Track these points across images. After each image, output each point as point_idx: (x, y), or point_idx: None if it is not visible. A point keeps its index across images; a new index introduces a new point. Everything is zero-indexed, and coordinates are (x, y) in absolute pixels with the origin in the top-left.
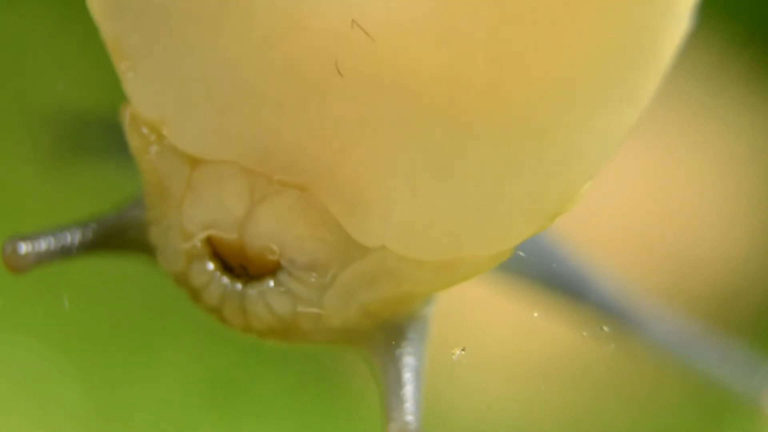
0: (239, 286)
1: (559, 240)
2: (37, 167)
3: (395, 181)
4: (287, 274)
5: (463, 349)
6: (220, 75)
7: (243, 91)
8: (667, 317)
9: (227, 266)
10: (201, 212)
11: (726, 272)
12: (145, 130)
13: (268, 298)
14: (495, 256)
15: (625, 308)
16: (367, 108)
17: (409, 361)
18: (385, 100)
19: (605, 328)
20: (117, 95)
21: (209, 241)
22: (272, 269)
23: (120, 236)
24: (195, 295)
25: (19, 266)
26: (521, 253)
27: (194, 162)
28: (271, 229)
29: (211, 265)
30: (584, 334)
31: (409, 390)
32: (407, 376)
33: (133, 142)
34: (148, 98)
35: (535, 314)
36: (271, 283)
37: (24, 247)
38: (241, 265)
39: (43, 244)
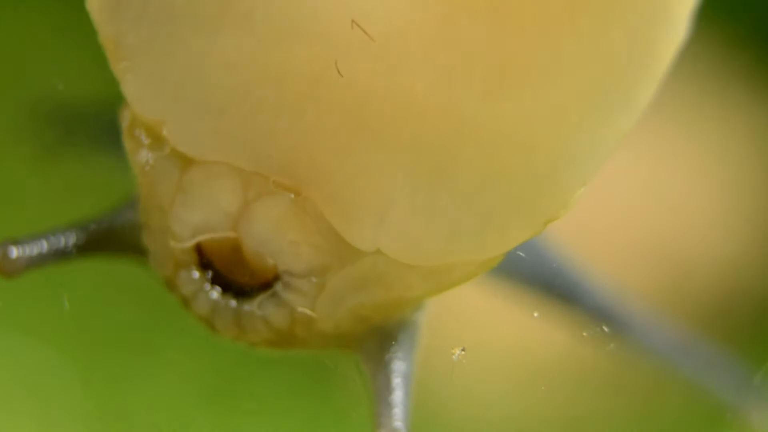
0: (233, 302)
1: (553, 244)
2: (31, 161)
3: (390, 186)
4: (284, 284)
5: (463, 349)
6: (217, 77)
7: (240, 93)
8: (660, 323)
9: (218, 277)
10: (191, 214)
11: (725, 272)
12: (139, 134)
13: (266, 313)
14: (486, 261)
15: (618, 313)
16: (363, 114)
17: (398, 366)
18: (380, 108)
19: (605, 329)
20: (113, 91)
21: (199, 249)
22: (267, 278)
23: (113, 239)
24: (184, 302)
25: (10, 270)
26: (521, 254)
27: (186, 164)
28: (267, 231)
29: (196, 274)
30: (584, 334)
31: (398, 396)
32: (396, 381)
33: (128, 145)
34: (146, 99)
35: (535, 314)
36: (268, 297)
37: (15, 252)
38: (232, 278)
39: (35, 248)
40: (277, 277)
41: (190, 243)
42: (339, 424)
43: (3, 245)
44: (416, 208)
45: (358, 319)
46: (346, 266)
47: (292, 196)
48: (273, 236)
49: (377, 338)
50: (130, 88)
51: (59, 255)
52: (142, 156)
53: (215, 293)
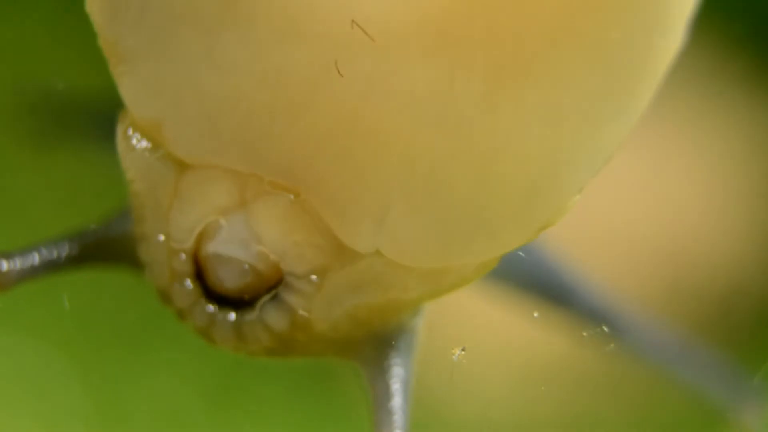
0: (231, 314)
1: (549, 247)
2: (29, 158)
3: (388, 188)
4: (286, 286)
5: (463, 349)
6: (215, 80)
7: (237, 96)
8: (656, 326)
9: (212, 293)
10: (189, 218)
11: (725, 272)
12: (134, 139)
13: (267, 318)
14: (481, 266)
15: (614, 316)
16: (360, 117)
17: (397, 372)
18: (379, 109)
19: (605, 328)
20: (113, 89)
21: (196, 260)
22: (267, 282)
23: (107, 250)
24: (180, 314)
25: (1, 284)
26: (518, 256)
27: (181, 170)
28: (269, 232)
29: (190, 284)
30: (584, 334)
31: (397, 402)
32: (395, 387)
33: (123, 150)
34: (144, 102)
35: (535, 314)
36: (269, 300)
37: (5, 265)
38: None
39: (27, 261)
40: (279, 280)
41: (189, 245)
42: (339, 424)
43: None
44: (412, 210)
45: (356, 322)
46: (344, 267)
47: (291, 196)
48: (277, 235)
49: (375, 345)
50: (128, 91)
51: (52, 266)
52: (136, 162)
53: (211, 306)
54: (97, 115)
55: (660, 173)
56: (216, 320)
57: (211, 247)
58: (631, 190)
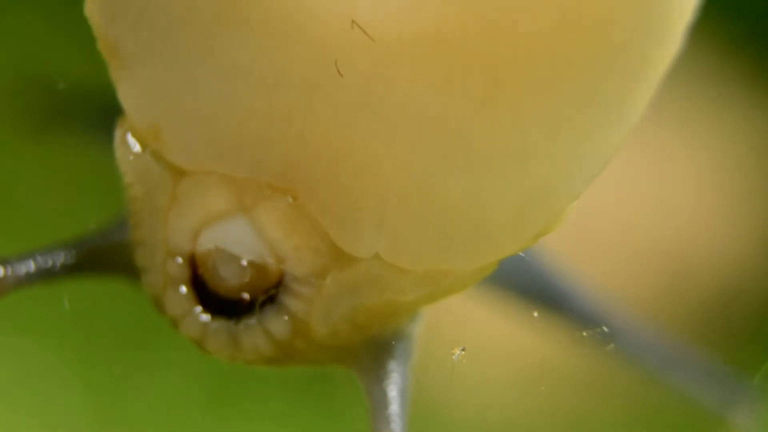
0: (227, 323)
1: (544, 251)
2: (30, 154)
3: (385, 192)
4: (286, 289)
5: (463, 349)
6: (212, 83)
7: (232, 101)
8: (649, 331)
9: (210, 296)
10: (187, 222)
11: (725, 273)
12: (132, 146)
13: (267, 325)
14: (478, 270)
15: (607, 321)
16: (357, 120)
17: (395, 380)
18: (376, 113)
19: (605, 329)
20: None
21: (193, 264)
22: (267, 281)
23: (103, 259)
24: (174, 323)
25: None
26: (517, 258)
27: (178, 176)
28: (268, 236)
29: (184, 289)
30: (584, 334)
31: (395, 410)
32: (393, 395)
33: (121, 156)
34: (142, 106)
35: (535, 314)
36: (269, 305)
37: (2, 271)
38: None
39: (23, 268)
40: (279, 281)
41: (186, 248)
42: (339, 423)
43: None
44: (409, 214)
45: (355, 325)
46: (342, 269)
47: (290, 199)
48: (277, 239)
49: (373, 352)
50: (126, 95)
51: (48, 275)
52: (134, 167)
53: (206, 315)
54: (98, 112)
55: (660, 173)
56: (210, 329)
57: (211, 244)
58: (631, 190)
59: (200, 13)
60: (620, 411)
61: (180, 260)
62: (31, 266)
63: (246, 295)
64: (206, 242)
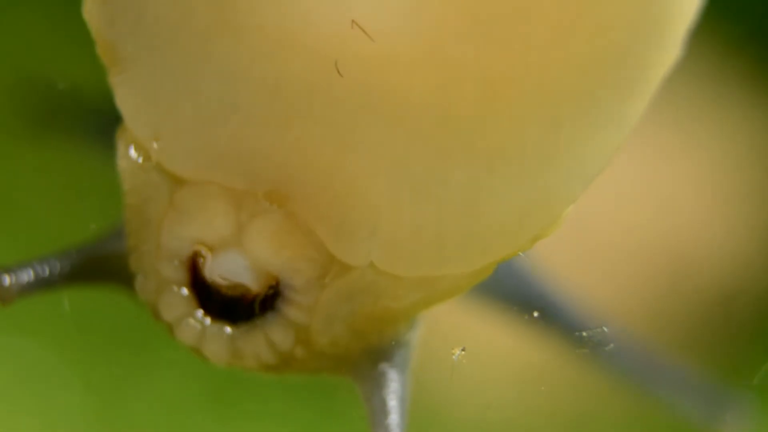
0: (227, 329)
1: (533, 262)
2: (29, 157)
3: (380, 200)
4: (284, 300)
5: (463, 349)
6: (208, 91)
7: (229, 107)
8: (635, 345)
9: (210, 299)
10: (186, 229)
11: (726, 273)
12: (132, 155)
13: (269, 332)
14: (473, 274)
15: (592, 333)
16: (353, 128)
17: (394, 388)
18: (371, 122)
19: (605, 329)
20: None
21: (193, 267)
22: (263, 291)
23: (99, 268)
24: (171, 328)
25: (2, 298)
26: (502, 274)
27: (176, 185)
28: (266, 252)
29: (185, 291)
30: (584, 334)
31: (394, 418)
32: (392, 404)
33: (121, 164)
34: (139, 112)
35: (535, 314)
36: (270, 315)
37: (7, 280)
38: (225, 300)
39: (25, 277)
40: (276, 294)
41: (183, 254)
42: (339, 424)
43: None
44: (404, 221)
45: (353, 333)
46: (338, 277)
47: (283, 211)
48: (272, 255)
49: (371, 360)
50: (124, 100)
51: (47, 283)
52: (133, 174)
53: (206, 318)
54: (97, 116)
55: (660, 174)
56: (208, 334)
57: (210, 273)
58: (632, 190)
59: (198, 18)
60: (620, 411)
61: (176, 263)
62: (31, 275)
63: (248, 291)
64: (207, 272)
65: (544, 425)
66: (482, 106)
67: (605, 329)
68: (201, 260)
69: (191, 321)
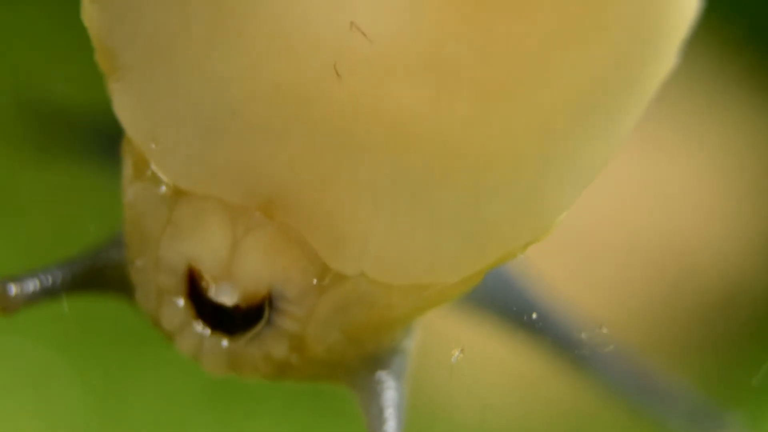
0: (224, 341)
1: (523, 273)
2: (27, 167)
3: (373, 211)
4: (277, 311)
5: (461, 350)
6: (206, 99)
7: (227, 116)
8: (625, 358)
9: (206, 310)
10: (183, 244)
11: (727, 272)
12: (134, 167)
13: (263, 344)
14: (466, 280)
15: (582, 346)
16: (347, 139)
17: (390, 396)
18: (365, 132)
19: (604, 330)
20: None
21: (190, 278)
22: (256, 309)
23: (97, 278)
24: (170, 337)
25: (7, 308)
26: (492, 284)
27: (175, 198)
28: (259, 264)
29: (182, 302)
30: (583, 335)
31: (391, 426)
32: (389, 412)
33: (124, 176)
34: (137, 119)
35: (534, 315)
36: (263, 326)
37: (13, 289)
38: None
39: (30, 286)
40: (269, 304)
41: (182, 269)
42: (339, 423)
43: (1, 282)
44: (397, 231)
45: (349, 341)
46: (331, 288)
47: (277, 224)
48: (265, 267)
49: (368, 368)
50: (122, 106)
51: (51, 293)
52: (134, 187)
53: (204, 330)
54: (98, 133)
55: (661, 173)
56: (206, 345)
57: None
58: (633, 190)
59: (194, 24)
60: (620, 414)
61: (175, 276)
62: (36, 284)
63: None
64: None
65: (544, 427)
66: (477, 112)
67: (604, 330)
68: (198, 277)
69: (190, 332)
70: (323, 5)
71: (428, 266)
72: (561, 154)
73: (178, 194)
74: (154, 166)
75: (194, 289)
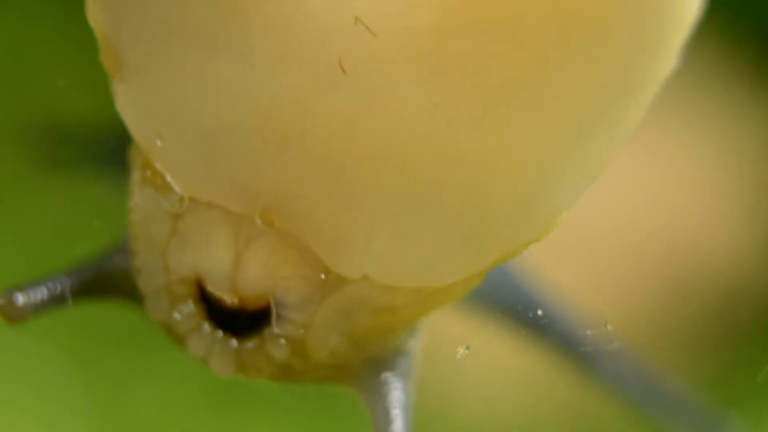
0: (232, 341)
1: (526, 272)
2: (30, 175)
3: (375, 215)
4: (280, 318)
5: (467, 348)
6: (207, 104)
7: (230, 121)
8: (629, 359)
9: (214, 312)
10: (188, 256)
11: (729, 272)
12: (141, 173)
13: (267, 348)
14: (467, 280)
15: (587, 343)
16: (347, 146)
17: (396, 396)
18: (370, 132)
19: (609, 327)
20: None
21: (197, 284)
22: (261, 313)
23: (104, 285)
24: (181, 340)
25: (16, 317)
26: (495, 283)
27: (180, 206)
28: (260, 274)
29: (194, 308)
30: (588, 332)
31: (398, 426)
32: (395, 412)
33: (132, 182)
34: (141, 120)
35: (539, 312)
36: (267, 331)
37: (21, 299)
38: (225, 311)
39: (38, 295)
40: (270, 310)
41: (188, 279)
42: (342, 423)
43: (8, 292)
44: (398, 233)
45: (352, 345)
46: (332, 293)
47: (277, 232)
48: (266, 277)
49: (373, 369)
50: (125, 107)
51: (58, 301)
52: (139, 196)
53: (214, 331)
54: (105, 146)
55: (662, 172)
56: (216, 346)
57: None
58: (634, 188)
59: (197, 28)
60: (623, 413)
61: (183, 284)
62: (44, 293)
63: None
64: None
65: (544, 426)
66: (480, 112)
67: (609, 327)
68: (204, 283)
69: (200, 334)
70: (327, 6)
71: (430, 266)
72: (562, 153)
73: (182, 202)
74: (158, 167)
75: (203, 294)
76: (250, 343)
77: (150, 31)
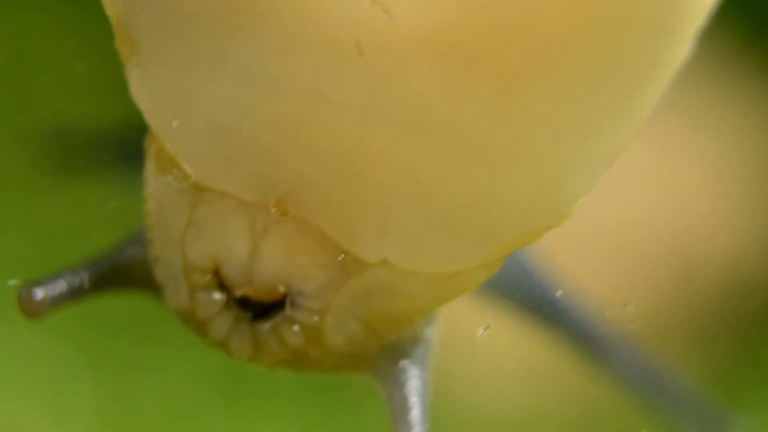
0: (251, 323)
1: (539, 262)
2: (37, 179)
3: (393, 197)
4: (296, 305)
5: (486, 328)
6: (221, 93)
7: (243, 109)
8: (638, 353)
9: (233, 297)
10: (205, 246)
11: (732, 267)
12: (156, 162)
13: (281, 332)
14: (486, 266)
15: (597, 337)
16: (365, 128)
17: (414, 384)
18: (384, 120)
19: (629, 308)
20: (119, 106)
21: (215, 272)
22: (279, 299)
23: (120, 276)
24: (201, 329)
25: (35, 311)
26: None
27: (196, 197)
28: (277, 263)
29: (217, 296)
30: (607, 313)
31: (416, 415)
32: (413, 400)
33: (146, 171)
34: (155, 106)
35: (559, 293)
36: (282, 316)
37: (40, 293)
38: (246, 297)
39: (57, 288)
40: (288, 298)
41: (206, 268)
42: (350, 418)
43: (27, 287)
44: (416, 217)
45: (369, 332)
46: (350, 279)
47: (293, 220)
48: (283, 266)
49: (390, 357)
50: (139, 92)
51: (77, 294)
52: (154, 185)
53: (234, 314)
54: (113, 145)
55: (669, 167)
56: (236, 328)
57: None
58: (641, 183)
59: (212, 12)
60: (630, 402)
61: (202, 273)
62: (63, 286)
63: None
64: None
65: (552, 418)
66: (496, 99)
67: (629, 308)
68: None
69: (222, 318)
70: None
71: (448, 252)
72: (579, 139)
73: (198, 191)
74: (173, 154)
75: (221, 281)
76: (267, 325)
77: (166, 16)
